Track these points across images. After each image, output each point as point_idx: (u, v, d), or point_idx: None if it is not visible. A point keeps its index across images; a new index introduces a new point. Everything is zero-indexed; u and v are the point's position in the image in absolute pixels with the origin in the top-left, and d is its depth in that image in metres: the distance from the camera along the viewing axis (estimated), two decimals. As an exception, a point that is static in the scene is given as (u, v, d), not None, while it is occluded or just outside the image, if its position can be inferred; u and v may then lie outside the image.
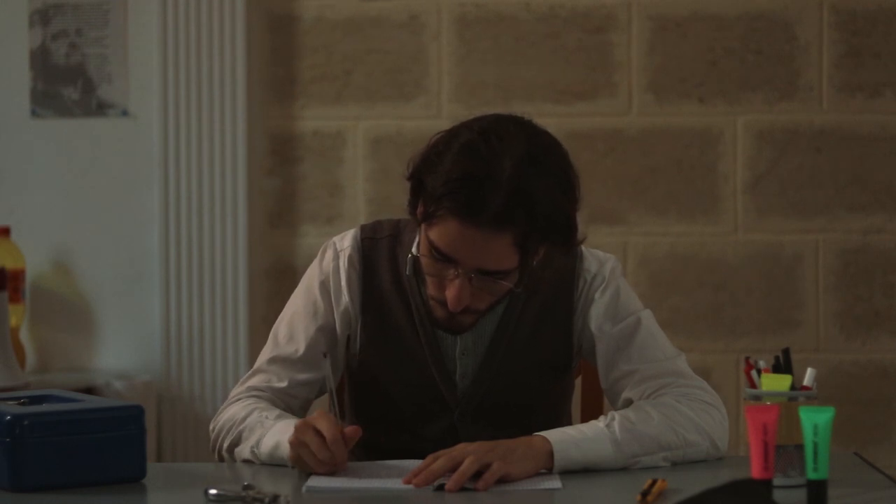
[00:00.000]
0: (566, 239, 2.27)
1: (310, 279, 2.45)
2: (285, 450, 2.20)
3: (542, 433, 2.19)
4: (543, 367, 2.41)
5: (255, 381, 2.41)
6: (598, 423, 2.23)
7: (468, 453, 2.10)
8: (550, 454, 2.17)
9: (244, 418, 2.32)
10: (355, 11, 3.82)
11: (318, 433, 2.14)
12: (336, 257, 2.43)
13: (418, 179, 2.27)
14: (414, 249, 2.37)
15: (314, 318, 2.42)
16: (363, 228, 2.46)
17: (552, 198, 2.23)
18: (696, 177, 3.80)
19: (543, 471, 2.16)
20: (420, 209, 2.27)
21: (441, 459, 2.10)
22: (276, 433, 2.25)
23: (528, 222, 2.20)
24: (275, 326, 2.46)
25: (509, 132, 2.25)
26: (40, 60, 3.84)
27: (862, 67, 3.77)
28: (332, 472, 2.14)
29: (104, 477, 2.10)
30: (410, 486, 2.07)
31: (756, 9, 3.78)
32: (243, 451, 2.30)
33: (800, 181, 3.79)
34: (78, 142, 3.84)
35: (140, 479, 2.13)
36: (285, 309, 2.47)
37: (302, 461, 2.16)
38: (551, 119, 3.76)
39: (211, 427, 2.39)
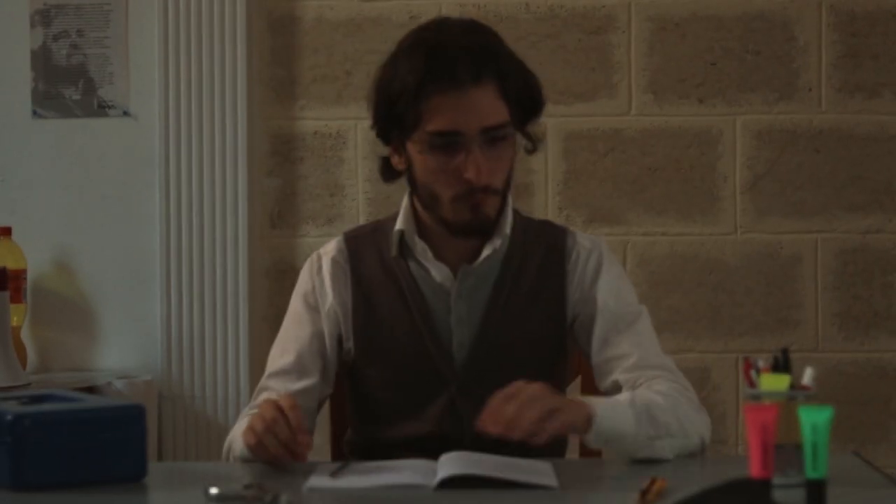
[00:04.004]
0: (532, 89, 2.40)
1: (295, 293, 2.54)
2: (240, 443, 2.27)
3: (584, 398, 2.25)
4: (538, 340, 2.44)
5: (258, 400, 2.45)
6: (622, 399, 2.28)
7: (531, 397, 2.14)
8: (589, 420, 2.20)
9: (234, 437, 2.39)
10: (355, 12, 3.83)
11: (277, 408, 2.19)
12: (317, 261, 2.52)
13: (385, 102, 2.37)
14: (398, 224, 2.45)
15: (301, 327, 2.49)
16: (345, 232, 2.55)
17: (509, 50, 2.39)
18: (695, 177, 3.80)
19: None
20: (401, 125, 2.35)
21: (511, 405, 2.13)
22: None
23: (501, 71, 2.34)
24: (274, 343, 2.55)
25: (446, 16, 2.45)
26: (41, 61, 3.84)
27: (860, 68, 3.78)
28: (293, 453, 2.17)
29: (105, 476, 2.10)
30: (410, 486, 2.07)
31: (755, 9, 3.79)
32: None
33: (799, 181, 3.79)
34: (79, 142, 3.85)
35: (141, 479, 2.13)
36: (283, 323, 2.56)
37: (263, 446, 2.18)
38: (551, 119, 3.79)
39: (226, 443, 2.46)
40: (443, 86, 2.31)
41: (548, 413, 2.14)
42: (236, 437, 2.36)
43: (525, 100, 2.40)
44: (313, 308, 2.49)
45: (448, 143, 2.33)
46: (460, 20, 2.44)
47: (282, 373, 2.47)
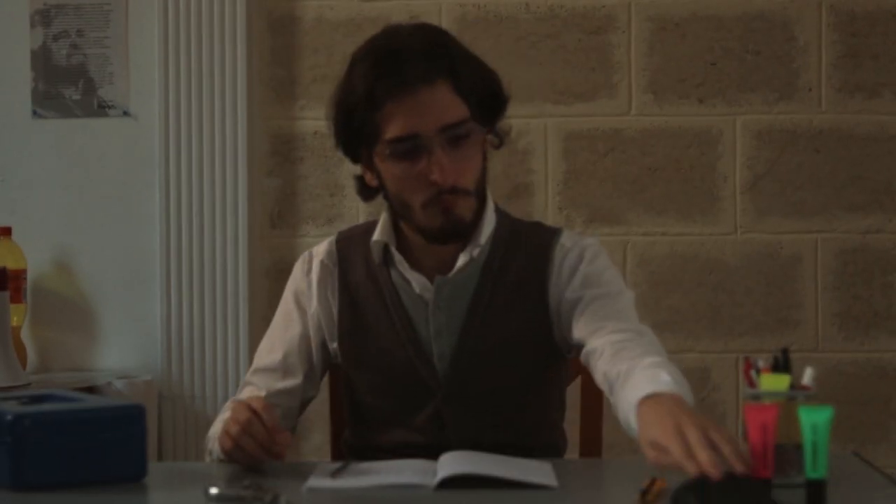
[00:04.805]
0: (492, 84, 2.36)
1: (287, 292, 2.53)
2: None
3: (659, 391, 2.07)
4: (523, 346, 2.41)
5: (241, 395, 2.45)
6: (666, 379, 2.14)
7: (710, 440, 1.90)
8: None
9: (213, 434, 2.40)
10: (355, 12, 3.83)
11: (250, 410, 2.18)
12: (308, 262, 2.51)
13: (343, 116, 2.34)
14: (376, 235, 2.43)
15: (289, 327, 2.49)
16: (339, 232, 2.54)
17: (462, 49, 2.36)
18: (695, 177, 3.81)
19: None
20: (362, 138, 2.33)
21: (704, 453, 1.88)
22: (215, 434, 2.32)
23: (453, 69, 2.30)
24: (263, 339, 2.54)
25: (397, 23, 2.42)
26: (41, 61, 3.84)
27: (860, 68, 3.78)
28: (270, 452, 2.17)
29: (105, 476, 2.10)
30: (410, 486, 2.07)
31: (755, 9, 3.79)
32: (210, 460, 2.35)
33: (798, 181, 3.79)
34: (79, 142, 3.85)
35: (141, 479, 2.13)
36: (272, 321, 2.55)
37: (239, 448, 2.18)
38: (551, 119, 3.79)
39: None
40: (394, 91, 2.28)
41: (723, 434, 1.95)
42: (214, 437, 2.37)
43: (485, 97, 2.36)
44: (302, 309, 2.49)
45: (409, 148, 2.29)
46: (411, 24, 2.40)
47: (267, 370, 2.48)
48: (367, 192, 2.44)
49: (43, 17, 3.84)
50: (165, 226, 3.79)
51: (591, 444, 2.67)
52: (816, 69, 3.79)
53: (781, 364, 2.08)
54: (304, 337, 2.48)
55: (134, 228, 3.83)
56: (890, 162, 3.79)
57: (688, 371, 3.67)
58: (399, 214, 2.41)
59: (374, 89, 2.28)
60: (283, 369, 2.47)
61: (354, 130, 2.34)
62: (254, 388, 2.46)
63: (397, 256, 2.42)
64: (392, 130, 2.30)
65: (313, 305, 2.48)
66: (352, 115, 2.33)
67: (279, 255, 3.84)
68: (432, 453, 2.23)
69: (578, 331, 2.37)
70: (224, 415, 2.38)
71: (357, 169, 2.46)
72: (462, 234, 2.37)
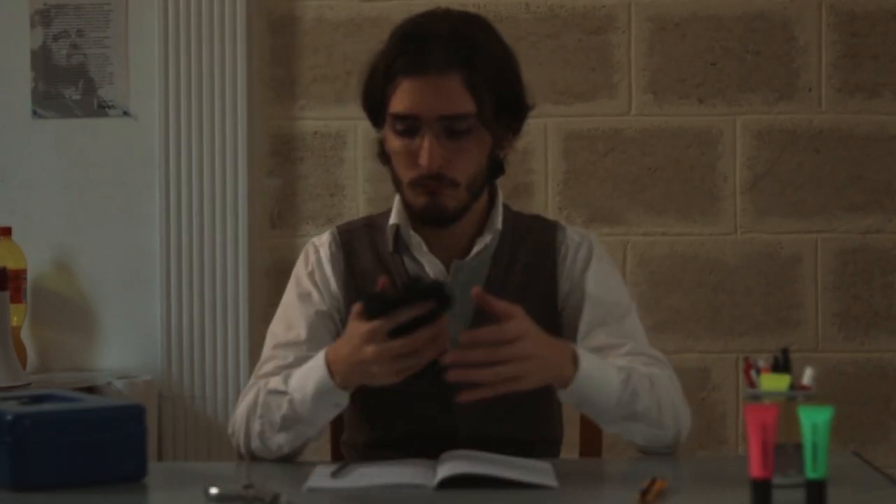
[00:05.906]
0: (512, 87, 2.38)
1: (297, 276, 2.50)
2: (325, 382, 2.23)
3: (578, 351, 2.23)
4: None
5: (261, 371, 2.41)
6: (614, 372, 2.26)
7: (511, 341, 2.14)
8: (568, 379, 2.20)
9: (269, 393, 2.31)
10: (355, 12, 3.83)
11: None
12: (317, 251, 2.50)
13: (366, 83, 2.40)
14: (392, 219, 2.45)
15: (310, 305, 2.45)
16: (338, 226, 2.55)
17: (492, 45, 2.38)
18: (695, 177, 3.81)
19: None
20: (376, 107, 2.39)
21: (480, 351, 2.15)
22: (305, 382, 2.26)
23: (472, 62, 2.33)
24: (270, 328, 2.48)
25: (439, 8, 2.43)
26: (41, 61, 3.84)
27: (860, 68, 3.78)
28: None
29: (105, 476, 2.10)
30: (410, 486, 2.07)
31: (755, 9, 3.79)
32: (274, 417, 2.29)
33: (799, 181, 3.79)
34: (79, 142, 3.85)
35: (141, 479, 2.13)
36: (277, 312, 2.49)
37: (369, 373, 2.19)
38: (551, 119, 3.79)
39: (229, 430, 2.39)
40: (409, 70, 2.33)
41: (519, 369, 2.14)
42: (240, 419, 2.34)
43: (503, 99, 2.37)
44: (319, 289, 2.45)
45: (407, 126, 2.35)
46: (458, 11, 2.43)
47: (291, 343, 2.41)
48: (385, 157, 2.47)
49: (43, 17, 3.84)
50: (165, 226, 3.79)
51: (591, 444, 2.67)
52: (816, 69, 3.79)
53: (781, 364, 2.07)
54: (329, 315, 2.44)
55: (134, 228, 3.83)
56: (890, 162, 3.79)
57: (688, 371, 3.67)
58: (395, 188, 2.44)
59: (392, 64, 2.35)
60: (309, 341, 2.40)
61: (371, 97, 2.40)
62: (279, 360, 2.39)
63: (415, 239, 2.43)
64: (396, 105, 2.35)
65: (333, 289, 2.45)
66: (372, 82, 2.40)
67: (279, 255, 3.84)
68: (439, 443, 2.23)
69: (585, 342, 2.40)
70: (246, 399, 2.35)
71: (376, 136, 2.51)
72: (444, 220, 2.39)
